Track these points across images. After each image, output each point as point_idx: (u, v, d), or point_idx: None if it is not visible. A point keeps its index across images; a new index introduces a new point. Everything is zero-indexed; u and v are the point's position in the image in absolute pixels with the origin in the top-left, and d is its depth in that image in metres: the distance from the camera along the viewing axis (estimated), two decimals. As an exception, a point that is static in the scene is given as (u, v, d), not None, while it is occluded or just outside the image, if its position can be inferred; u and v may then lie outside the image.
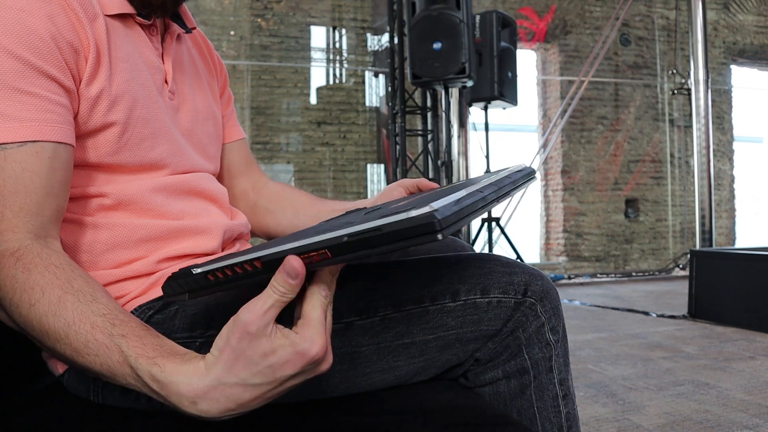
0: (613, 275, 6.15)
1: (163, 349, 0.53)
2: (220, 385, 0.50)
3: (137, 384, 0.54)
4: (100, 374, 0.55)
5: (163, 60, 0.79)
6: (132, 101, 0.70)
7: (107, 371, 0.54)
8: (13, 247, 0.58)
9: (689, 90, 6.22)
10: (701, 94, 5.79)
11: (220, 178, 1.00)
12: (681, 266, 6.33)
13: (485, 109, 4.82)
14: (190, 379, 0.51)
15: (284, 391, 0.51)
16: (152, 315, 0.68)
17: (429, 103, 4.99)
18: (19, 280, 0.56)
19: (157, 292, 0.71)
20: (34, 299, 0.56)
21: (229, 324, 0.51)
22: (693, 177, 6.25)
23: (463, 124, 5.04)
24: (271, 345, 0.49)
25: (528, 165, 0.74)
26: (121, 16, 0.73)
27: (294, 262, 0.48)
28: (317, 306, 0.50)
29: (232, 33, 6.11)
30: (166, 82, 0.78)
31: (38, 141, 0.60)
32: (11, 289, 0.57)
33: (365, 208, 0.69)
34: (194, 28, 0.88)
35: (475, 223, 4.96)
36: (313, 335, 0.49)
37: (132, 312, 0.68)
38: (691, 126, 6.11)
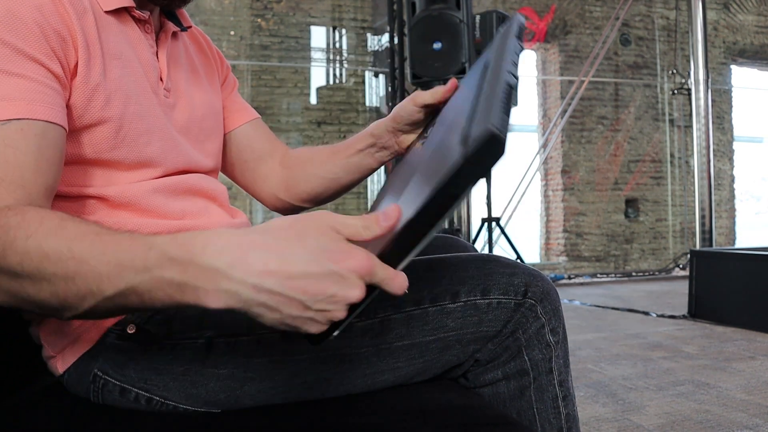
0: (613, 275, 6.15)
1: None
2: (261, 241, 0.46)
3: (147, 263, 0.48)
4: (105, 277, 0.50)
5: (158, 57, 0.78)
6: (125, 98, 0.70)
7: (114, 267, 0.49)
8: (1, 205, 0.55)
9: (689, 90, 6.22)
10: (701, 94, 5.78)
11: (244, 163, 0.98)
12: (681, 266, 6.32)
13: (485, 109, 4.81)
14: (228, 232, 0.48)
15: (307, 298, 0.46)
16: (152, 316, 0.68)
17: (429, 103, 4.98)
18: (12, 223, 0.53)
19: None
20: (31, 230, 0.52)
21: (316, 212, 0.50)
22: (693, 177, 6.24)
23: (463, 124, 5.03)
24: (332, 233, 0.48)
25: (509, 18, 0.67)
26: (116, 12, 0.72)
27: (395, 212, 0.48)
28: (383, 270, 0.48)
29: (232, 33, 6.11)
30: (161, 79, 0.78)
31: (24, 119, 0.58)
32: (4, 233, 0.52)
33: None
34: (190, 27, 0.87)
35: (475, 223, 4.96)
36: (369, 256, 0.48)
37: (132, 313, 0.68)
38: (691, 126, 6.11)
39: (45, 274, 0.51)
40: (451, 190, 0.45)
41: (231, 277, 0.46)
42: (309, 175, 0.95)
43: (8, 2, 0.60)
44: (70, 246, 0.50)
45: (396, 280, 0.49)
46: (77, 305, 0.51)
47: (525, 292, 0.71)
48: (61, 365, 0.70)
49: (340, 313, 0.48)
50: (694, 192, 5.97)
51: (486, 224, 4.86)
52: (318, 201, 0.97)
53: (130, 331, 0.67)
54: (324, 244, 0.47)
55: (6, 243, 0.52)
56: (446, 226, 4.41)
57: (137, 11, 0.74)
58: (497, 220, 4.94)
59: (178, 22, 0.83)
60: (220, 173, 0.97)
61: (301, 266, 0.46)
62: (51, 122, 0.61)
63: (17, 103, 0.58)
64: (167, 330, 0.67)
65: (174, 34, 0.83)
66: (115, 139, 0.69)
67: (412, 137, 0.86)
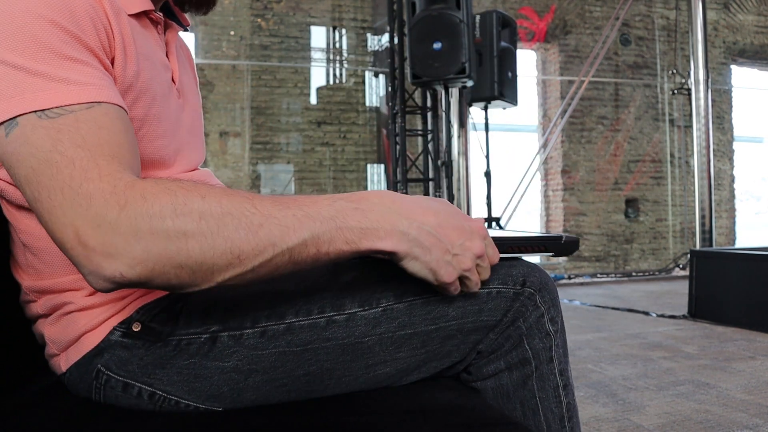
0: (613, 275, 6.15)
1: None
2: (418, 202, 0.62)
3: (332, 213, 0.58)
4: (291, 228, 0.56)
5: (168, 58, 0.79)
6: (151, 99, 0.70)
7: (300, 219, 0.56)
8: (137, 178, 0.56)
9: (689, 90, 6.22)
10: (701, 94, 5.78)
11: None
12: (681, 266, 6.32)
13: (485, 109, 4.82)
14: (389, 192, 0.61)
15: (451, 237, 0.62)
16: (157, 314, 0.69)
17: (429, 103, 4.99)
18: (174, 188, 0.55)
19: (162, 292, 0.71)
20: (204, 192, 0.55)
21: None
22: (693, 177, 6.25)
23: (463, 124, 5.03)
24: (453, 206, 0.65)
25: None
26: (136, 16, 0.72)
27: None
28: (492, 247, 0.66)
29: (232, 33, 6.11)
30: (173, 80, 0.79)
31: (103, 102, 0.58)
32: (171, 196, 0.54)
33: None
34: (189, 26, 0.88)
35: (475, 223, 4.94)
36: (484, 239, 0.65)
37: (137, 311, 0.69)
38: (691, 126, 6.11)
39: (226, 230, 0.54)
40: (540, 244, 0.73)
41: (404, 218, 0.60)
42: None
43: None
44: (252, 203, 0.56)
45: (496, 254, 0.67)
46: (250, 260, 0.55)
47: (524, 282, 0.73)
48: (64, 363, 0.70)
49: (466, 263, 0.63)
50: (694, 192, 5.97)
51: (486, 224, 4.85)
52: None
53: (135, 329, 0.68)
54: (454, 210, 0.64)
55: (177, 204, 0.53)
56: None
57: (154, 13, 0.75)
58: (497, 219, 4.95)
59: (178, 21, 0.84)
60: None
61: (445, 219, 0.62)
62: (123, 107, 0.61)
63: (93, 87, 0.58)
64: (172, 327, 0.68)
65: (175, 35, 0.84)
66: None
67: None
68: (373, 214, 0.59)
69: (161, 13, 0.77)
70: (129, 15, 0.70)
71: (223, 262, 0.54)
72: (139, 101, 0.68)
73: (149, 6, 0.73)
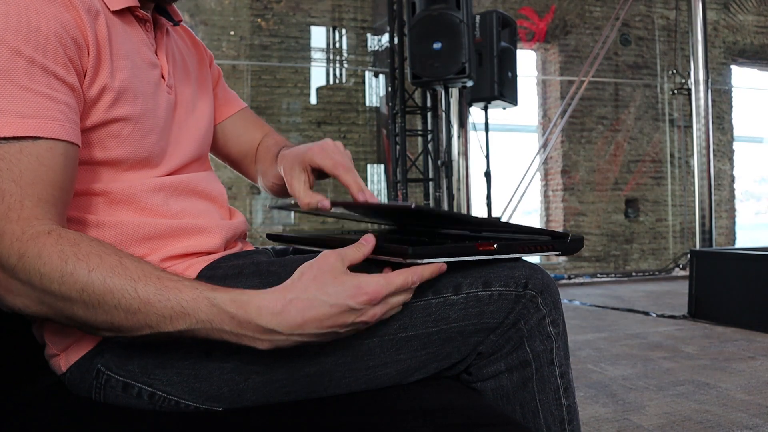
0: (613, 275, 6.15)
1: (236, 288, 0.60)
2: (296, 299, 0.59)
3: (209, 316, 0.58)
4: (167, 319, 0.58)
5: (157, 55, 0.79)
6: (133, 98, 0.71)
7: (177, 313, 0.58)
8: (47, 229, 0.59)
9: (689, 90, 6.22)
10: (701, 94, 5.78)
11: (233, 161, 1.02)
12: (681, 266, 6.32)
13: (485, 109, 4.82)
14: (272, 295, 0.59)
15: (338, 327, 0.60)
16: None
17: (429, 103, 4.99)
18: (68, 253, 0.58)
19: None
20: (93, 265, 0.57)
21: (323, 255, 0.62)
22: (693, 177, 6.25)
23: (463, 124, 5.03)
24: (343, 276, 0.60)
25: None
26: (120, 12, 0.73)
27: (370, 237, 0.64)
28: (400, 277, 0.61)
29: (232, 33, 6.11)
30: (162, 77, 0.79)
31: (51, 138, 0.61)
32: (62, 261, 0.57)
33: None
34: (181, 21, 0.88)
35: (475, 223, 4.94)
36: (377, 282, 0.60)
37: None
38: (691, 126, 6.11)
39: (106, 306, 0.58)
40: (548, 244, 0.70)
41: (281, 332, 0.59)
42: (268, 179, 0.98)
43: (25, 12, 0.61)
44: (135, 286, 0.58)
45: (427, 270, 0.63)
46: (129, 333, 0.59)
47: (525, 284, 0.72)
48: (64, 363, 0.70)
49: (363, 325, 0.62)
50: (694, 192, 5.97)
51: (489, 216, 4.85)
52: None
53: None
54: (340, 289, 0.59)
55: (64, 272, 0.57)
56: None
57: (140, 11, 0.75)
58: (497, 220, 4.94)
59: (169, 17, 0.84)
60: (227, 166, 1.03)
61: (326, 310, 0.59)
62: (72, 143, 0.63)
63: (45, 121, 0.60)
64: None
65: (167, 31, 0.84)
66: (118, 138, 0.70)
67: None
68: (251, 327, 0.58)
69: (147, 12, 0.77)
70: (112, 11, 0.71)
71: (105, 328, 0.59)
72: (119, 101, 0.69)
73: (134, 3, 0.73)
